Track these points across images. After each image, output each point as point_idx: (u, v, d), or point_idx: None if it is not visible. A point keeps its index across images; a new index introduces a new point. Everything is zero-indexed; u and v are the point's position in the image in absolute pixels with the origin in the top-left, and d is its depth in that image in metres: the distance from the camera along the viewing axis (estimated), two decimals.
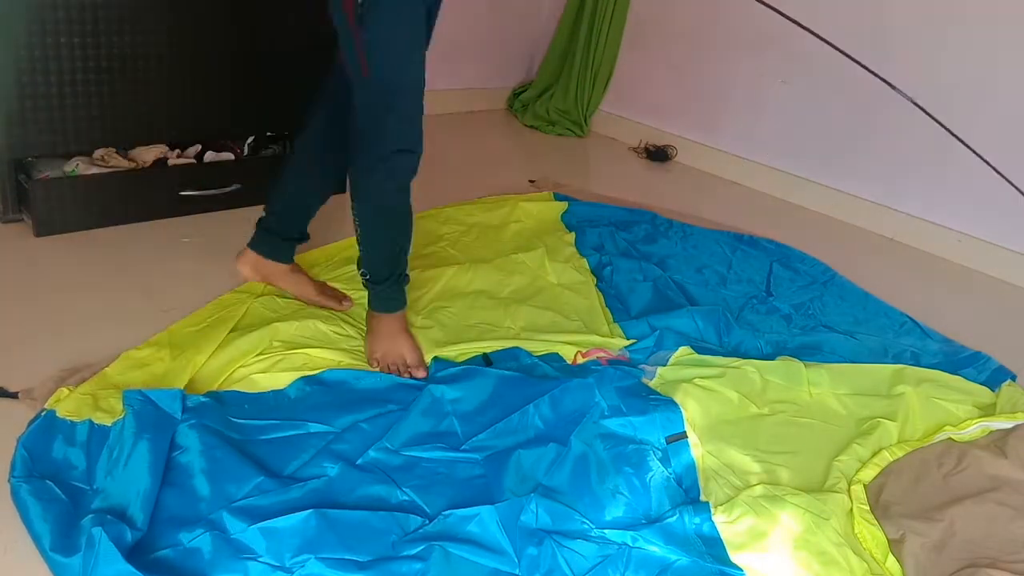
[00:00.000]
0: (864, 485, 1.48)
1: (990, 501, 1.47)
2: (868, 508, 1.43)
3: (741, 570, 1.28)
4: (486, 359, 1.74)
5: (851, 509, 1.43)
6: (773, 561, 1.30)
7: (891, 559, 1.34)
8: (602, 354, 1.82)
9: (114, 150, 2.21)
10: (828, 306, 2.25)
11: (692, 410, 1.60)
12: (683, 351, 1.83)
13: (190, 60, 2.14)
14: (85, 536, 1.10)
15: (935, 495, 1.49)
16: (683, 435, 1.54)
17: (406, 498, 1.33)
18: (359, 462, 1.38)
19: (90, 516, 1.15)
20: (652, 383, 1.71)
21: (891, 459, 1.57)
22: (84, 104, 2.01)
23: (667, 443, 1.51)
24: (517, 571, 1.21)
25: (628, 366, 1.78)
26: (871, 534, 1.38)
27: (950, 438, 1.67)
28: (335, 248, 2.15)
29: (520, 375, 1.65)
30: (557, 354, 1.81)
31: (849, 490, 1.47)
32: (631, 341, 1.89)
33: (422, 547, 1.20)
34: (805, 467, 1.54)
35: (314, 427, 1.45)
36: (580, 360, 1.79)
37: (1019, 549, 1.39)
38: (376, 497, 1.32)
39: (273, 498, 1.26)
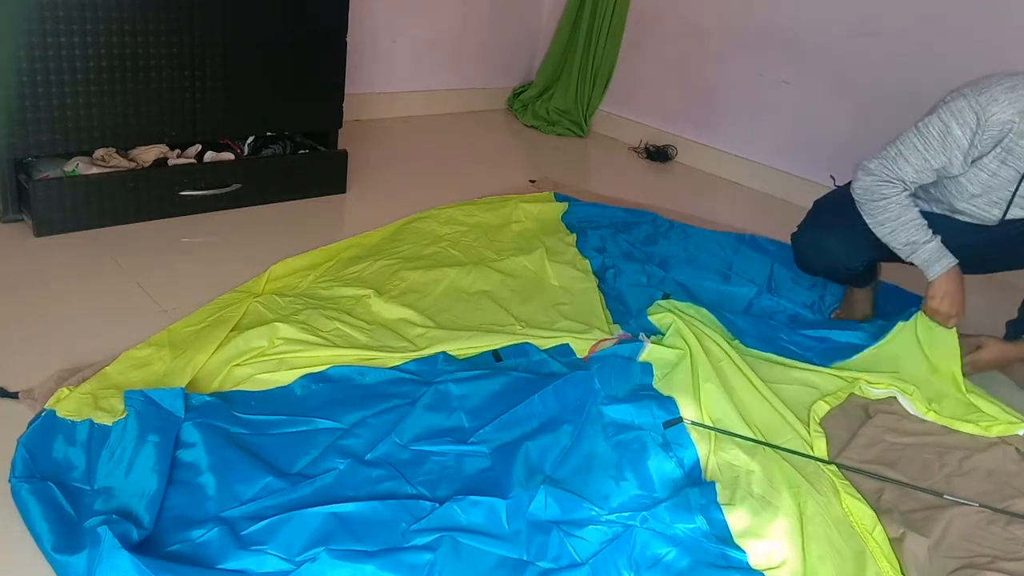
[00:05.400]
0: (836, 468, 1.52)
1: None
2: (849, 483, 1.48)
3: (744, 552, 1.29)
4: (495, 355, 1.75)
5: (833, 484, 1.47)
6: (775, 544, 1.31)
7: (878, 529, 1.37)
8: (608, 340, 1.83)
9: (114, 150, 2.21)
10: (829, 306, 2.25)
11: (684, 400, 1.63)
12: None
13: (190, 60, 2.14)
14: (90, 535, 1.09)
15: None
16: (679, 420, 1.57)
17: (415, 492, 1.34)
18: (368, 457, 1.39)
19: (96, 517, 1.14)
20: (653, 342, 1.78)
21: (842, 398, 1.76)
22: (84, 104, 2.01)
23: (664, 428, 1.54)
24: (525, 557, 1.23)
25: (632, 341, 1.80)
26: (855, 507, 1.41)
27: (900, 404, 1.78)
28: (336, 248, 2.15)
29: (527, 376, 1.66)
30: (568, 345, 1.81)
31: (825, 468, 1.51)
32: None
33: (431, 537, 1.21)
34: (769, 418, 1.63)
35: (322, 423, 1.46)
36: (589, 355, 1.80)
37: (1018, 549, 1.39)
38: (385, 492, 1.33)
39: (282, 498, 1.27)
